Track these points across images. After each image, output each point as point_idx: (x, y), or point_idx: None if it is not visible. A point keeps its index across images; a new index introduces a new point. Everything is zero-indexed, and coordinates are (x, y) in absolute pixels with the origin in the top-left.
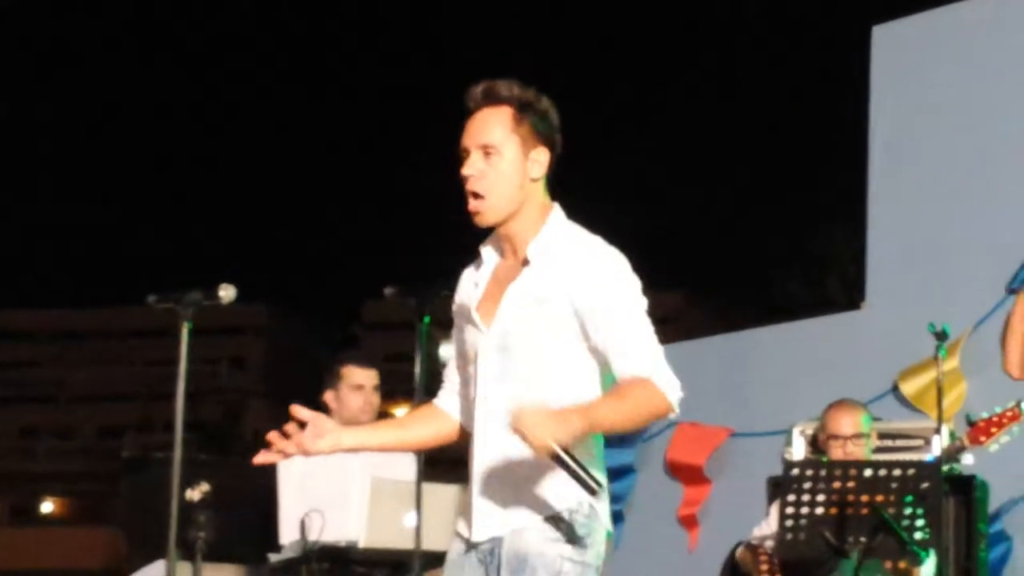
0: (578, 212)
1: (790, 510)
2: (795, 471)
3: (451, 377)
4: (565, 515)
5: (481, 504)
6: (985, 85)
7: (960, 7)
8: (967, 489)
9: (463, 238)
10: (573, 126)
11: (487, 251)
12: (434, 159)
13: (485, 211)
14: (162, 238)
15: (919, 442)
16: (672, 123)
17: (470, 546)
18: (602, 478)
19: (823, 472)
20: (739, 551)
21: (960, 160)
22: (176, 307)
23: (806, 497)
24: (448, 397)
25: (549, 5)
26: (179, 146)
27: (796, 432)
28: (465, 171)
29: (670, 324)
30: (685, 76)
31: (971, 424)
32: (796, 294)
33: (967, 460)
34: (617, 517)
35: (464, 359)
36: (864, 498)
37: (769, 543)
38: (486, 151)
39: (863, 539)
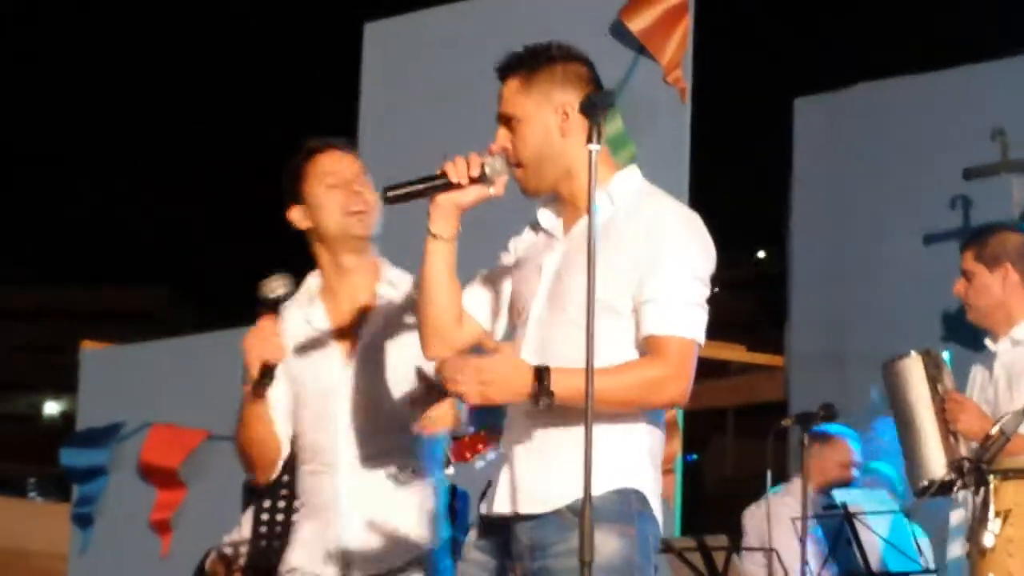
0: None
1: (265, 516)
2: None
3: None
4: None
5: None
6: (467, 86)
7: (447, 8)
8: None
9: None
10: None
11: None
12: None
13: None
14: None
15: None
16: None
17: None
18: None
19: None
20: (210, 559)
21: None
22: None
23: (281, 504)
24: None
25: None
26: None
27: None
28: None
29: (151, 320)
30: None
31: (455, 439)
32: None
33: (449, 472)
34: (86, 520)
35: None
36: None
37: (243, 549)
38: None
39: None
